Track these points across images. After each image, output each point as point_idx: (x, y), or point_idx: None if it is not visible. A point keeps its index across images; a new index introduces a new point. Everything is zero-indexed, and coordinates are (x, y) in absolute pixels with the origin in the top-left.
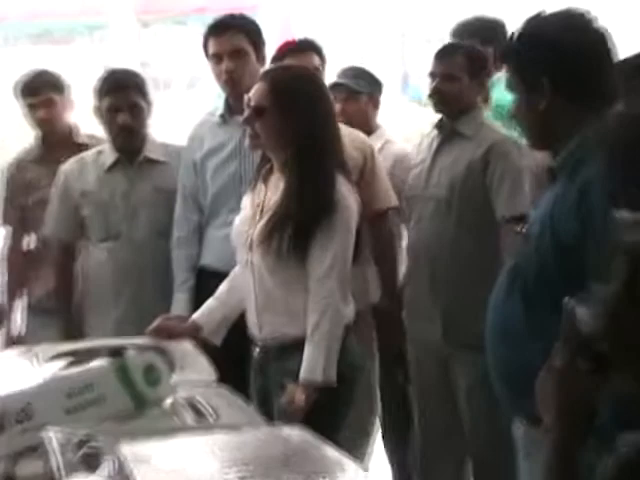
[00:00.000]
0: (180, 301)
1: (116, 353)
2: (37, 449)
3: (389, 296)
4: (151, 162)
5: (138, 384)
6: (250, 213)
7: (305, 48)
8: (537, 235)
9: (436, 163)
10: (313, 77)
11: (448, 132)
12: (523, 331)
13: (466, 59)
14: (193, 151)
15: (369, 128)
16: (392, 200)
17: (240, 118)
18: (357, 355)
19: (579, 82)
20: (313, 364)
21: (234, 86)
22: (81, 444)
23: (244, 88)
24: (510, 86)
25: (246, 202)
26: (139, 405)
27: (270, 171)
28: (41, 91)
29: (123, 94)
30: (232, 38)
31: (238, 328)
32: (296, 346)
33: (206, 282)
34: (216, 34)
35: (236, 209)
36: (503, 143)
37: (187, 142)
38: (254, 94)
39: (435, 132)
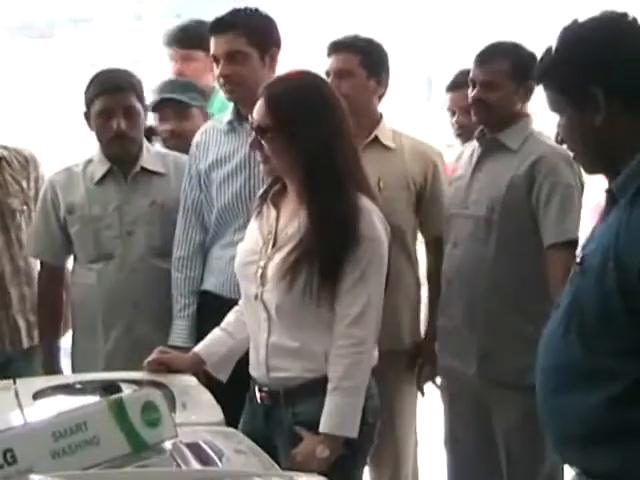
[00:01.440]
0: (180, 329)
1: (108, 389)
2: None
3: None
4: (148, 173)
5: (135, 424)
6: (260, 242)
7: (340, 47)
8: (598, 268)
9: (476, 178)
10: (318, 86)
11: (490, 144)
12: (582, 377)
13: (509, 64)
14: (197, 161)
15: None
16: None
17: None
18: (378, 399)
19: (637, 85)
20: (340, 417)
21: (231, 92)
22: None
23: (246, 94)
24: (554, 108)
25: (252, 228)
26: (136, 448)
27: (281, 193)
28: None
29: (117, 96)
30: (230, 39)
31: (245, 364)
32: (309, 389)
33: (209, 309)
34: (215, 33)
35: (243, 228)
36: (552, 157)
37: (191, 150)
38: (255, 113)
39: (476, 144)
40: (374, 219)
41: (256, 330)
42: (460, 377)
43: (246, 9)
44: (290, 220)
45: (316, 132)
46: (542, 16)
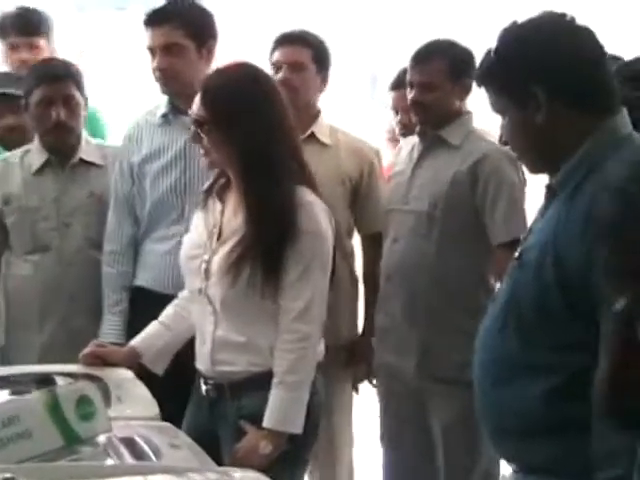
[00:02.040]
0: (111, 325)
1: (43, 382)
2: None
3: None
4: (86, 165)
5: (69, 418)
6: (204, 236)
7: (294, 40)
8: (536, 263)
9: (417, 174)
10: (257, 78)
11: (431, 140)
12: (519, 371)
13: (446, 63)
14: (130, 154)
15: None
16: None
17: (186, 119)
18: (322, 395)
19: (577, 84)
20: (285, 413)
21: (167, 84)
22: None
23: (182, 87)
24: (496, 109)
25: (197, 222)
26: (70, 442)
27: (226, 186)
28: None
29: (56, 85)
30: (167, 31)
31: (181, 358)
32: (254, 383)
33: (142, 305)
34: (151, 25)
35: (177, 221)
36: (495, 154)
37: (122, 143)
38: (194, 106)
39: (416, 140)
40: (317, 212)
41: (202, 323)
42: (398, 374)
43: (183, 1)
44: (234, 213)
45: (252, 125)
46: (485, 13)
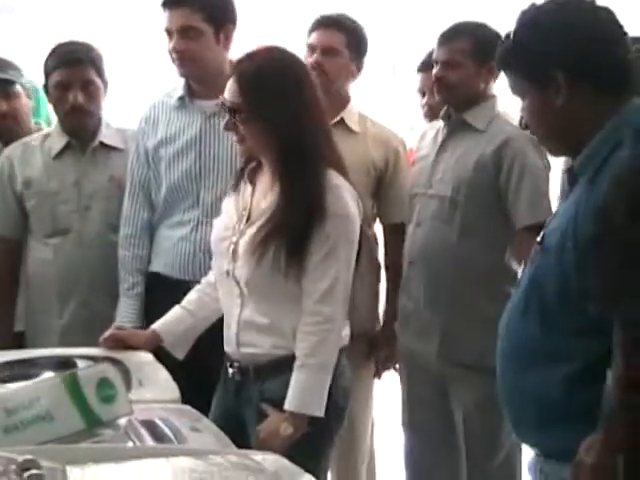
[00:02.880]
0: (127, 309)
1: (64, 365)
2: None
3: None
4: (106, 149)
5: (90, 400)
6: (234, 218)
7: (329, 24)
8: (557, 247)
9: (441, 158)
10: (289, 63)
11: (456, 124)
12: (540, 356)
13: (471, 42)
14: (146, 137)
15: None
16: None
17: (202, 102)
18: (349, 380)
19: (597, 66)
20: (305, 395)
21: (183, 67)
22: (22, 469)
23: (198, 70)
24: (516, 92)
25: (228, 205)
26: (91, 425)
27: (257, 169)
28: None
29: (75, 69)
30: (185, 14)
31: (203, 342)
32: (277, 367)
33: (157, 291)
34: (169, 7)
35: (192, 207)
36: (520, 138)
37: (139, 126)
38: (226, 93)
39: (441, 124)
40: (345, 195)
41: (229, 306)
42: (420, 358)
43: None
44: (264, 196)
45: (288, 110)
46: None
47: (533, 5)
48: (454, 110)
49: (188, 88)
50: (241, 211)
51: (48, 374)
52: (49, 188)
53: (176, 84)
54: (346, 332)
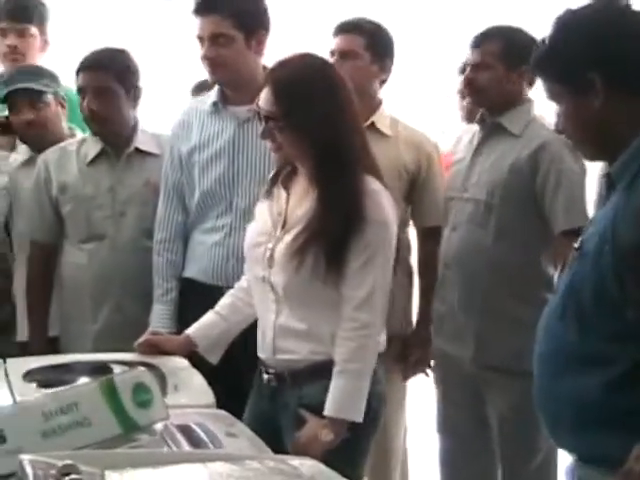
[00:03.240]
0: (161, 314)
1: (100, 370)
2: (12, 477)
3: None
4: (141, 154)
5: (126, 406)
6: (269, 223)
7: (347, 28)
8: (594, 252)
9: (476, 161)
10: (323, 70)
11: (491, 128)
12: (578, 361)
13: (501, 45)
14: (179, 142)
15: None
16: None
17: (235, 108)
18: (384, 385)
19: (633, 70)
20: (345, 400)
21: (215, 73)
22: (62, 474)
23: (230, 77)
24: (552, 97)
25: (262, 210)
26: (127, 430)
27: (291, 175)
28: None
29: (90, 75)
30: (215, 21)
31: (236, 347)
32: (315, 372)
33: (191, 296)
34: (200, 14)
35: (226, 213)
36: (556, 142)
37: (172, 131)
38: (262, 102)
39: (477, 128)
40: (382, 201)
41: (264, 311)
42: (454, 361)
43: None
44: (300, 202)
45: (325, 117)
46: (544, 6)
47: (568, 10)
48: (488, 113)
49: (221, 94)
50: (276, 217)
51: (84, 379)
52: (84, 193)
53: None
54: (383, 338)
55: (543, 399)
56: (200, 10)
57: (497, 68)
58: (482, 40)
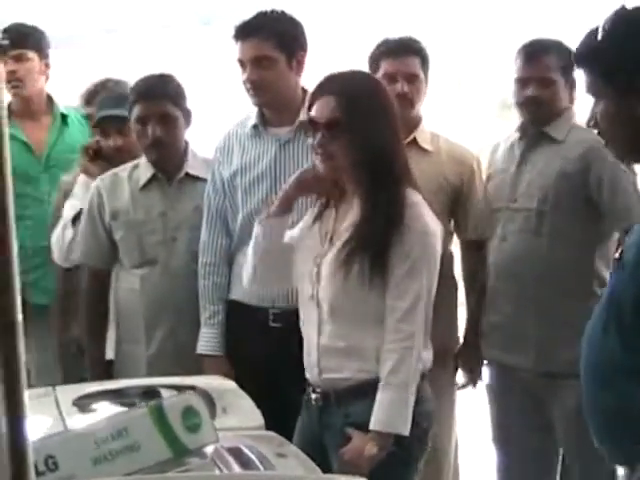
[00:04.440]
0: (208, 337)
1: (148, 394)
2: None
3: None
4: (192, 179)
5: (176, 430)
6: (318, 243)
7: (402, 51)
8: (633, 262)
9: (523, 171)
10: (378, 86)
11: (535, 137)
12: (622, 373)
13: (558, 58)
14: (221, 166)
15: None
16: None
17: (276, 130)
18: (431, 403)
19: None
20: (389, 413)
21: (257, 96)
22: None
23: (273, 99)
24: (591, 91)
25: (311, 230)
26: (177, 453)
27: (341, 196)
28: None
29: (151, 103)
30: (257, 44)
31: (283, 367)
32: (360, 390)
33: (237, 318)
34: (241, 37)
35: None
36: (601, 145)
37: (214, 155)
38: (320, 110)
39: (515, 137)
40: (424, 212)
41: (309, 332)
42: (512, 371)
43: (273, 12)
44: (345, 216)
45: (378, 128)
46: (565, 17)
47: (624, 7)
48: (537, 125)
49: (261, 116)
50: (323, 235)
51: (134, 404)
52: (136, 219)
53: (249, 113)
54: (428, 356)
55: (591, 410)
56: (242, 34)
57: (559, 81)
58: (540, 54)
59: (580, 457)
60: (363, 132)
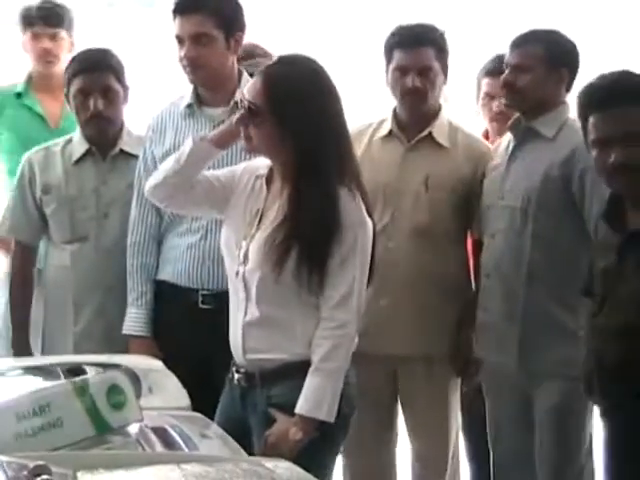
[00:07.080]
0: (135, 318)
1: (74, 372)
2: None
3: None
4: (126, 156)
5: (100, 407)
6: (247, 219)
7: (414, 42)
8: None
9: (511, 168)
10: (318, 74)
11: (524, 133)
12: None
13: (543, 48)
14: (153, 145)
15: None
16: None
17: (210, 110)
18: (355, 389)
19: None
20: (319, 399)
21: (194, 73)
22: (34, 475)
23: (209, 77)
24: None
25: (240, 205)
26: (101, 431)
27: (272, 173)
28: None
29: (94, 76)
30: (197, 21)
31: (210, 348)
32: (285, 372)
33: (166, 299)
34: (181, 14)
35: (203, 216)
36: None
37: (146, 134)
38: (248, 90)
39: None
40: (355, 205)
41: (235, 311)
42: (499, 370)
43: None
44: (274, 201)
45: (308, 119)
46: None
47: None
48: (523, 118)
49: (196, 96)
50: (253, 215)
51: (58, 381)
52: (68, 194)
53: (183, 92)
54: (355, 339)
55: None
56: (182, 9)
57: (538, 70)
58: (523, 42)
59: (552, 457)
60: (288, 120)
